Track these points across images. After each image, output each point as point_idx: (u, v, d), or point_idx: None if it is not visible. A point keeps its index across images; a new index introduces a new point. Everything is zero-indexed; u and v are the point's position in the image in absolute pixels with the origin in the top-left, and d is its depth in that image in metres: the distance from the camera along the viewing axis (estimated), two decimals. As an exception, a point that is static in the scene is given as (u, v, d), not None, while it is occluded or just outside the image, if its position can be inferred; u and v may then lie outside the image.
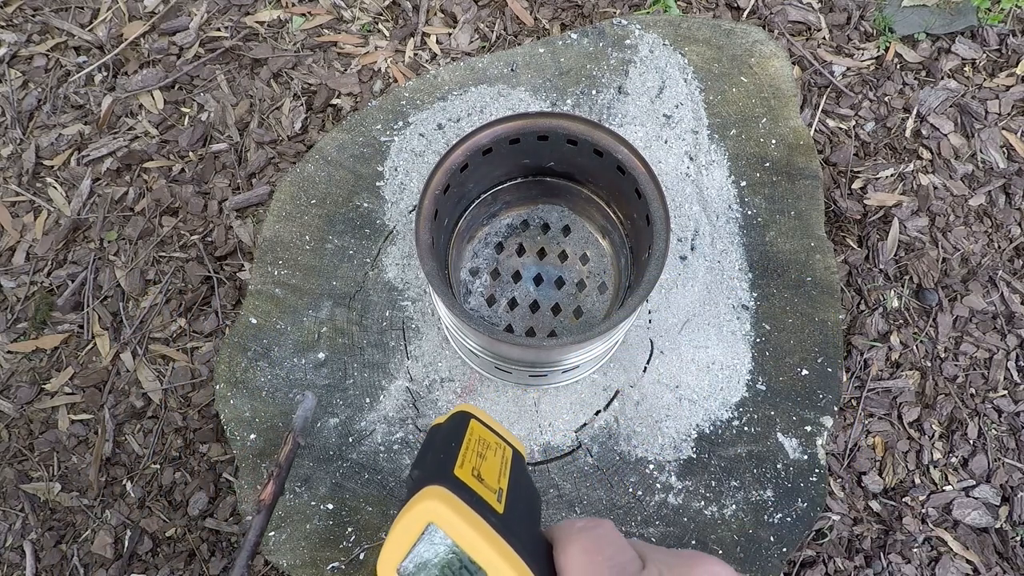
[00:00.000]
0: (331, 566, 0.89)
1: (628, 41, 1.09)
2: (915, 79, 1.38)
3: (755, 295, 0.97)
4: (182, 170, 1.31)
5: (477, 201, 0.83)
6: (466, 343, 0.78)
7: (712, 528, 0.89)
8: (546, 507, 0.90)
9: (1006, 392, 1.20)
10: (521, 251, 0.85)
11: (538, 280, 0.85)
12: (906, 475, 1.16)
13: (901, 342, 1.21)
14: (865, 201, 1.28)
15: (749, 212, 1.01)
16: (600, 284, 0.84)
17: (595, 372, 0.93)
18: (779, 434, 0.92)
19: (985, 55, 1.40)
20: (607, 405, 0.92)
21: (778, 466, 0.91)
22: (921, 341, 1.21)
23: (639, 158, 0.70)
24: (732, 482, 0.91)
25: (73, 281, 1.23)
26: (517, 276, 0.85)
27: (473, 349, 0.78)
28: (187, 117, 1.35)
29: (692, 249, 0.98)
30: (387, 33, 1.41)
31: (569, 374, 0.83)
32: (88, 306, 1.22)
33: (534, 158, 0.79)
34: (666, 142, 1.04)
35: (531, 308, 0.85)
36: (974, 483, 1.15)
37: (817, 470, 0.91)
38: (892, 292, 1.23)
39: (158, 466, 1.15)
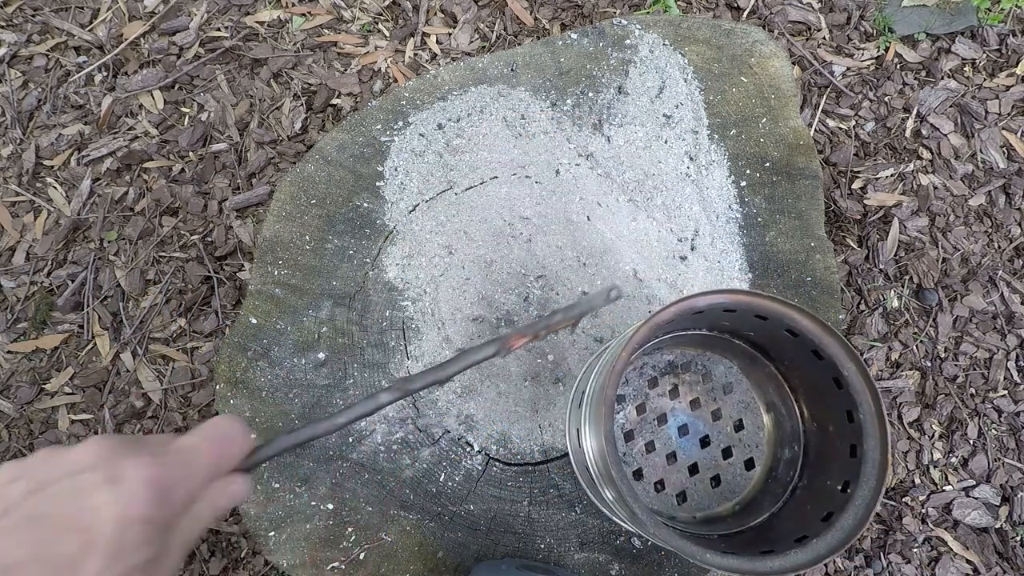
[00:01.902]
0: (331, 566, 0.89)
1: (628, 41, 1.09)
2: (915, 79, 1.38)
3: (755, 295, 0.97)
4: (182, 170, 1.31)
5: (654, 341, 0.76)
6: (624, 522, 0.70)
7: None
8: (546, 507, 0.90)
9: (1006, 392, 1.20)
10: (675, 393, 0.78)
11: (683, 431, 0.77)
12: (906, 475, 1.16)
13: (901, 342, 1.21)
14: (865, 201, 1.28)
15: (749, 212, 1.01)
16: (748, 459, 0.76)
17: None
18: (779, 434, 0.92)
19: (985, 55, 1.40)
20: (607, 405, 0.92)
21: (778, 466, 0.91)
22: (921, 341, 1.21)
23: (870, 385, 0.61)
24: (732, 482, 0.90)
25: (73, 281, 1.23)
26: (663, 419, 0.78)
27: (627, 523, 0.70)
28: (187, 117, 1.35)
29: (692, 249, 0.98)
30: (387, 33, 1.41)
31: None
32: (88, 306, 1.22)
33: (738, 326, 0.72)
34: (666, 142, 1.04)
35: (667, 458, 0.77)
36: (974, 483, 1.15)
37: (817, 470, 0.91)
38: (892, 292, 1.23)
39: (158, 466, 1.15)
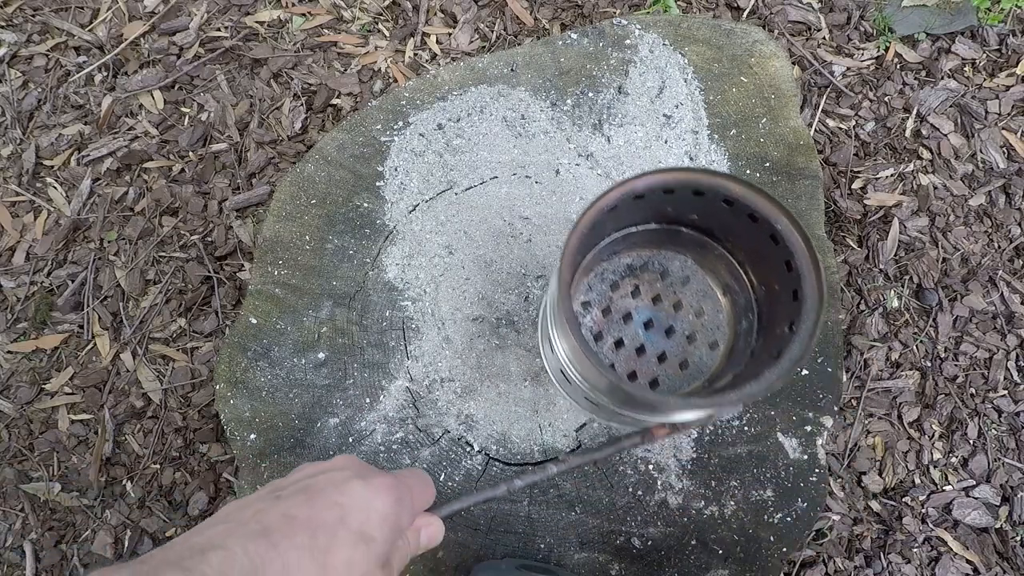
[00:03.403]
0: (331, 566, 0.89)
1: (628, 41, 1.09)
2: (915, 79, 1.38)
3: (755, 295, 0.97)
4: (182, 170, 1.31)
5: (608, 240, 0.81)
6: (572, 371, 0.76)
7: (712, 528, 0.89)
8: (546, 507, 0.90)
9: (1006, 392, 1.20)
10: (636, 293, 0.83)
11: (648, 325, 0.82)
12: (906, 475, 1.16)
13: (901, 342, 1.21)
14: (865, 201, 1.28)
15: (749, 212, 1.01)
16: (712, 341, 0.81)
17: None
18: (779, 434, 0.92)
19: (985, 55, 1.40)
20: (607, 405, 0.92)
21: (778, 466, 0.91)
22: (921, 341, 1.21)
23: (800, 231, 0.67)
24: (732, 482, 0.91)
25: (73, 281, 1.23)
26: (628, 317, 0.82)
27: (573, 377, 0.76)
28: (187, 117, 1.35)
29: (692, 249, 0.98)
30: (387, 33, 1.41)
31: (615, 419, 0.82)
32: (88, 306, 1.22)
33: (680, 210, 0.77)
34: (666, 142, 1.04)
35: (636, 351, 0.82)
36: (974, 483, 1.15)
37: (817, 470, 0.91)
38: (892, 292, 1.24)
39: (158, 466, 1.15)
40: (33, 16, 1.41)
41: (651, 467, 0.91)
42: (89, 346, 1.21)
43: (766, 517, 0.90)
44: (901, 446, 1.17)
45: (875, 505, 1.14)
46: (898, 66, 1.39)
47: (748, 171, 1.02)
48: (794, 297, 0.67)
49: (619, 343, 0.82)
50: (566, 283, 0.66)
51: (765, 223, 0.68)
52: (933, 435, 1.18)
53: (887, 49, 1.40)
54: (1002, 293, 1.24)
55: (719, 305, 0.83)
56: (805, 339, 0.64)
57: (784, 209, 0.67)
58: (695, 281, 0.84)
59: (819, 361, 0.95)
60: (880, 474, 1.15)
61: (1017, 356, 1.22)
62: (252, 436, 0.92)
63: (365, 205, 1.01)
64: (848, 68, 1.38)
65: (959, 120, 1.35)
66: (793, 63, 1.36)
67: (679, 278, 0.84)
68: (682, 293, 0.83)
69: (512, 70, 1.08)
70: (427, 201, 1.00)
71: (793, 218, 0.67)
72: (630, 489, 0.90)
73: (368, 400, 0.93)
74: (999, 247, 1.27)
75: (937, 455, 1.17)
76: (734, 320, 0.82)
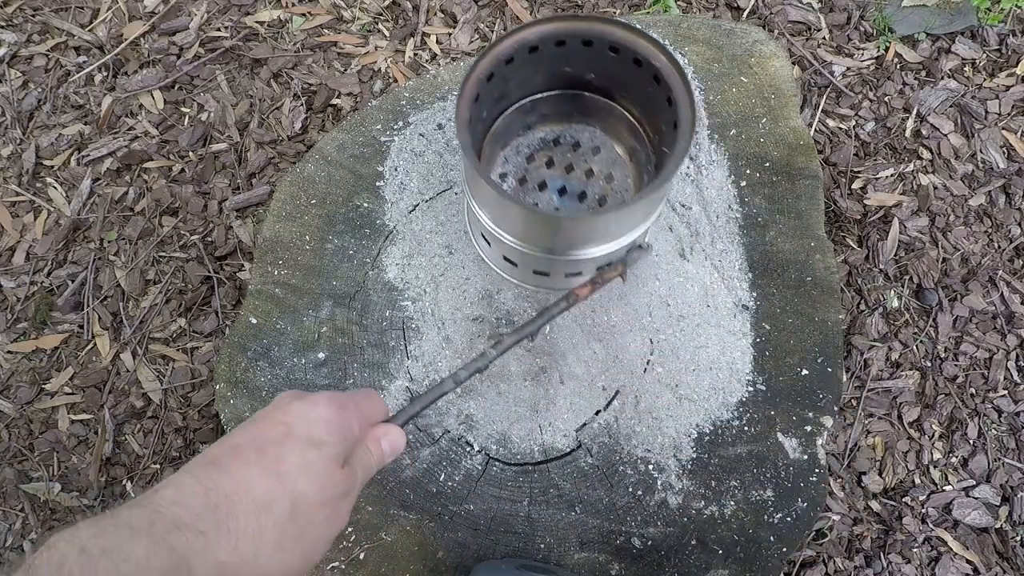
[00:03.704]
0: (331, 566, 0.89)
1: (628, 41, 1.09)
2: (915, 79, 1.38)
3: (755, 295, 0.97)
4: (182, 170, 1.31)
5: (515, 106, 0.86)
6: (483, 219, 0.80)
7: (712, 528, 0.89)
8: (546, 507, 0.90)
9: (1006, 392, 1.20)
10: (550, 164, 0.88)
11: (562, 192, 0.88)
12: (906, 475, 1.16)
13: (901, 342, 1.21)
14: (865, 201, 1.28)
15: (749, 212, 1.01)
16: (621, 202, 0.87)
17: (595, 373, 0.93)
18: (779, 434, 0.92)
19: (985, 55, 1.40)
20: (607, 405, 0.92)
21: (778, 466, 0.91)
22: (921, 341, 1.22)
23: (676, 66, 0.72)
24: (732, 482, 0.91)
25: (73, 281, 1.23)
26: (543, 186, 0.88)
27: (490, 228, 0.80)
28: (187, 117, 1.35)
29: (692, 249, 0.98)
30: (387, 33, 1.41)
31: (571, 279, 0.86)
32: (88, 306, 1.22)
33: (576, 67, 0.81)
34: (666, 142, 1.04)
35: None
36: (974, 483, 1.15)
37: (817, 470, 0.91)
38: (892, 292, 1.24)
39: (158, 466, 1.15)
40: (33, 16, 1.41)
41: (651, 467, 0.91)
42: (89, 346, 1.21)
43: (766, 517, 0.90)
44: (901, 446, 1.17)
45: (875, 505, 1.14)
46: (898, 66, 1.39)
47: (748, 171, 1.02)
48: (674, 127, 0.72)
49: (535, 206, 0.87)
50: (463, 121, 0.70)
51: (648, 65, 0.73)
52: (933, 435, 1.18)
53: (887, 49, 1.40)
54: (1002, 293, 1.24)
55: (627, 170, 0.89)
56: (685, 135, 0.69)
57: (661, 46, 0.72)
58: (605, 150, 0.89)
59: (819, 361, 0.95)
60: (880, 474, 1.15)
61: (1017, 356, 1.22)
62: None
63: (365, 205, 1.01)
64: (848, 68, 1.38)
65: (959, 120, 1.35)
66: (793, 63, 1.36)
67: (590, 148, 0.89)
68: (593, 162, 0.88)
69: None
70: (427, 201, 1.00)
71: (669, 54, 0.72)
72: (630, 489, 0.90)
73: (368, 400, 0.93)
74: (999, 247, 1.27)
75: (937, 455, 1.17)
76: (639, 179, 0.88)
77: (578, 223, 0.75)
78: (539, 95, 0.86)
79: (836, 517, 1.12)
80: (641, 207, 0.71)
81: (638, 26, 0.75)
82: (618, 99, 0.85)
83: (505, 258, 0.85)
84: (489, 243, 0.85)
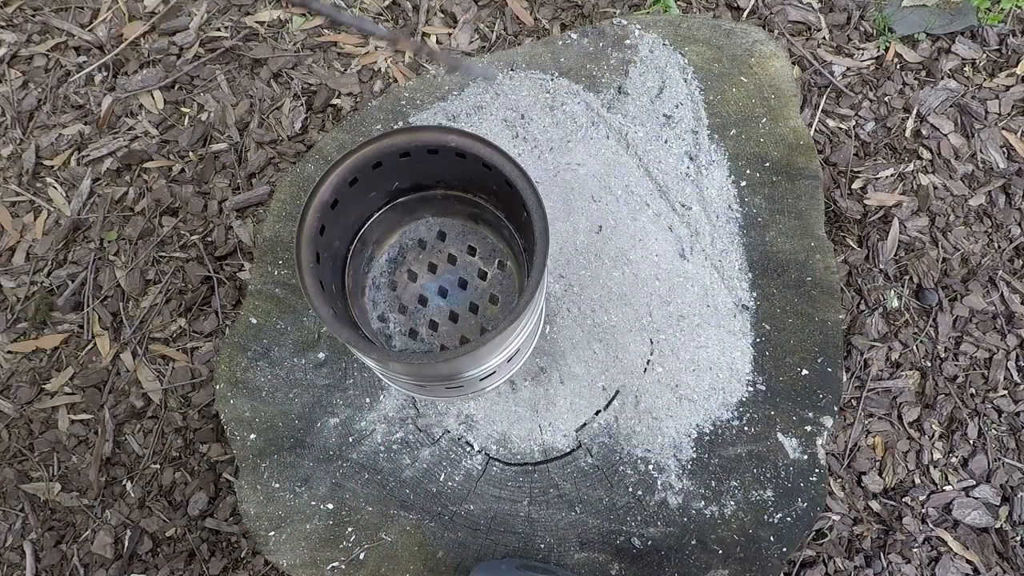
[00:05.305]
0: (331, 566, 0.89)
1: (628, 41, 1.09)
2: (915, 79, 1.38)
3: (755, 295, 0.97)
4: (182, 170, 1.31)
5: (351, 251, 0.84)
6: (375, 370, 0.80)
7: (712, 528, 0.89)
8: (546, 507, 0.90)
9: (1006, 392, 1.20)
10: (413, 276, 0.87)
11: (443, 292, 0.86)
12: (906, 475, 1.16)
13: (901, 342, 1.21)
14: (865, 201, 1.28)
15: (749, 212, 1.01)
16: (498, 262, 0.86)
17: (595, 373, 0.93)
18: (779, 434, 0.92)
19: (985, 55, 1.40)
20: (607, 405, 0.92)
21: (778, 466, 0.91)
22: (921, 341, 1.22)
23: (521, 173, 0.71)
24: (732, 482, 0.91)
25: (73, 281, 1.23)
26: (423, 300, 0.86)
27: (385, 375, 0.80)
28: (187, 117, 1.35)
29: (692, 249, 0.98)
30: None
31: (485, 381, 0.84)
32: (88, 306, 1.22)
33: (430, 172, 0.80)
34: (666, 142, 1.04)
35: (452, 320, 0.85)
36: (974, 483, 1.15)
37: (817, 470, 0.91)
38: (892, 292, 1.24)
39: (158, 466, 1.15)
40: (33, 16, 1.41)
41: (651, 467, 0.91)
42: (89, 346, 1.21)
43: (766, 517, 0.90)
44: (901, 446, 1.17)
45: (875, 505, 1.14)
46: (898, 66, 1.39)
47: (748, 171, 1.02)
48: (532, 232, 0.72)
49: (433, 325, 0.85)
50: (315, 293, 0.68)
51: (498, 173, 0.72)
52: (933, 435, 1.18)
53: (887, 49, 1.40)
54: (1002, 293, 1.24)
55: (481, 233, 0.88)
56: (538, 270, 0.68)
57: (509, 157, 0.71)
58: (448, 229, 0.88)
59: (819, 361, 0.95)
60: (880, 474, 1.15)
61: (1017, 356, 1.22)
62: (252, 436, 0.92)
63: (365, 205, 1.01)
64: (848, 68, 1.38)
65: (959, 120, 1.35)
66: (793, 63, 1.36)
67: (433, 238, 0.87)
68: (446, 247, 0.87)
69: (512, 70, 1.08)
70: (427, 201, 1.00)
71: (515, 163, 0.71)
72: (630, 489, 0.90)
73: (368, 400, 0.93)
74: (999, 247, 1.27)
75: (937, 455, 1.17)
76: (498, 233, 0.87)
77: (445, 361, 0.70)
78: (402, 200, 0.84)
79: (836, 517, 1.12)
80: (500, 340, 0.69)
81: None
82: (478, 197, 0.84)
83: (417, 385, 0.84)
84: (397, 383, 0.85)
